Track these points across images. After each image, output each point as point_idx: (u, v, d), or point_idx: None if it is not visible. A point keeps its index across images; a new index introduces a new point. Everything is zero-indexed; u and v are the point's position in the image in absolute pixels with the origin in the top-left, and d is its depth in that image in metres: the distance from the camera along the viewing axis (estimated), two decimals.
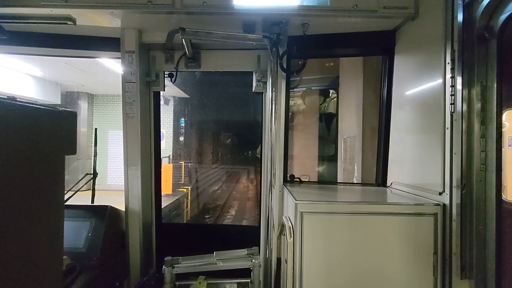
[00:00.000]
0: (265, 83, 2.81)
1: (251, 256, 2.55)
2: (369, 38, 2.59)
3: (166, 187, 10.51)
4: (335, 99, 4.82)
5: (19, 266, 1.08)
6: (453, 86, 1.71)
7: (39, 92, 10.62)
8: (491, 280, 1.59)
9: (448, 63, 1.75)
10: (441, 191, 1.83)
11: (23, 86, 9.87)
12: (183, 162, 13.31)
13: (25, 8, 2.20)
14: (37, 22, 2.35)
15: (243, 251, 2.58)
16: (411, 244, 1.82)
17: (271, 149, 2.61)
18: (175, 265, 2.49)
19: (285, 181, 2.73)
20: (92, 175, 3.02)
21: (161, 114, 3.05)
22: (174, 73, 2.88)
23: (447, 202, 1.77)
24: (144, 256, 2.78)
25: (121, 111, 2.69)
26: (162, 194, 3.16)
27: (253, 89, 2.89)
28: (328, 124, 5.05)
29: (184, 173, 12.92)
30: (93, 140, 3.34)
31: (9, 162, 1.02)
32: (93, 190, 3.10)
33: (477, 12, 1.61)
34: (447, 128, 1.77)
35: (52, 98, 11.29)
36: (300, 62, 2.66)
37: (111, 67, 8.65)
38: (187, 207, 11.00)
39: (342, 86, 4.47)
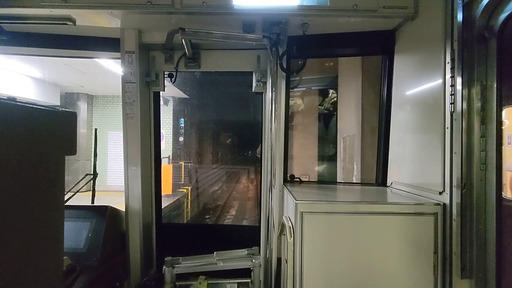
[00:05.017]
0: (265, 83, 2.81)
1: (251, 256, 2.55)
2: (369, 38, 2.59)
3: (166, 187, 10.50)
4: (334, 98, 4.83)
5: (19, 266, 1.07)
6: (453, 85, 1.71)
7: (39, 93, 10.62)
8: (492, 279, 1.59)
9: (448, 62, 1.75)
10: (441, 191, 1.83)
11: (22, 88, 9.86)
12: (183, 163, 13.30)
13: (25, 8, 2.19)
14: (37, 22, 2.35)
15: (244, 251, 2.58)
16: (412, 244, 1.82)
17: (271, 149, 2.61)
18: (176, 265, 2.49)
19: (285, 181, 2.73)
20: (92, 176, 3.01)
21: (161, 115, 3.05)
22: (174, 73, 2.88)
23: (447, 201, 1.77)
24: (144, 256, 2.78)
25: (121, 112, 2.69)
26: (162, 194, 3.15)
27: (253, 89, 2.88)
28: (327, 123, 5.06)
29: (184, 174, 12.92)
30: (93, 140, 3.34)
31: (9, 162, 1.02)
32: (93, 190, 3.10)
33: (477, 11, 1.61)
34: (447, 128, 1.77)
35: (51, 99, 11.29)
36: (300, 62, 2.66)
37: (110, 68, 8.65)
38: (187, 207, 10.99)
39: (341, 86, 4.48)
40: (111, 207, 2.57)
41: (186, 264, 2.50)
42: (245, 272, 2.61)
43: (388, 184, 2.61)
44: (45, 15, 2.27)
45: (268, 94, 2.67)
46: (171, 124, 13.85)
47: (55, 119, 1.28)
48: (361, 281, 1.83)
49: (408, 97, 2.34)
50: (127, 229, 2.71)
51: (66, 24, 2.30)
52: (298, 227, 1.82)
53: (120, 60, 2.65)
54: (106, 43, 2.75)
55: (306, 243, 1.83)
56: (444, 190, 1.80)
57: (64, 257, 1.85)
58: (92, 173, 3.03)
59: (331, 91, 4.97)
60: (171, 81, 2.90)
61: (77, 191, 2.74)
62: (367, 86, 3.57)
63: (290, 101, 3.07)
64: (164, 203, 8.08)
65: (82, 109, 13.64)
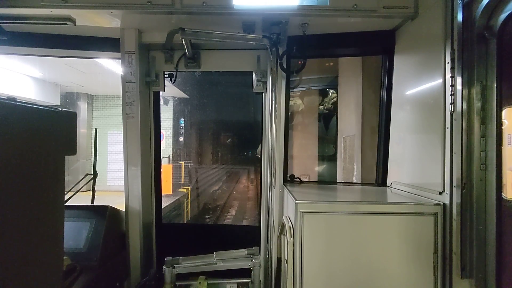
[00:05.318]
0: (265, 83, 2.81)
1: (251, 256, 2.55)
2: (369, 38, 2.60)
3: (166, 187, 10.50)
4: (334, 98, 4.82)
5: (19, 266, 1.07)
6: (453, 85, 1.71)
7: (39, 93, 10.61)
8: (492, 279, 1.60)
9: (448, 62, 1.75)
10: (441, 191, 1.83)
11: (22, 87, 9.86)
12: (183, 163, 13.31)
13: (25, 8, 2.19)
14: (37, 22, 2.35)
15: (243, 251, 2.58)
16: (412, 244, 1.82)
17: (271, 149, 2.61)
18: (176, 265, 2.49)
19: (285, 181, 2.73)
20: (92, 176, 3.01)
21: (161, 115, 3.05)
22: (174, 73, 2.88)
23: (447, 201, 1.77)
24: (144, 256, 2.78)
25: (121, 112, 2.69)
26: (162, 194, 3.15)
27: (253, 89, 2.89)
28: (327, 123, 5.05)
29: (184, 173, 12.92)
30: (93, 140, 3.34)
31: (9, 162, 1.02)
32: (93, 190, 3.09)
33: (477, 11, 1.61)
34: (447, 128, 1.77)
35: (51, 99, 11.28)
36: (300, 62, 2.66)
37: (110, 68, 8.65)
38: (187, 207, 10.99)
39: (341, 86, 4.48)
40: (111, 207, 2.57)
41: (186, 264, 2.50)
42: (245, 272, 2.61)
43: (388, 184, 2.61)
44: (45, 15, 2.27)
45: (268, 94, 2.67)
46: (171, 124, 13.85)
47: (55, 119, 1.28)
48: (361, 281, 1.83)
49: (408, 97, 2.33)
50: (127, 229, 2.71)
51: (66, 24, 2.30)
52: (298, 227, 1.82)
53: (120, 60, 2.65)
54: (106, 43, 2.75)
55: (306, 243, 1.83)
56: (444, 190, 1.80)
57: (64, 257, 1.85)
58: (92, 173, 3.03)
59: (331, 91, 4.96)
60: (171, 81, 2.90)
61: (77, 191, 2.73)
62: (367, 86, 3.57)
63: (290, 101, 3.07)
64: (164, 203, 8.08)
65: (82, 109, 13.62)
